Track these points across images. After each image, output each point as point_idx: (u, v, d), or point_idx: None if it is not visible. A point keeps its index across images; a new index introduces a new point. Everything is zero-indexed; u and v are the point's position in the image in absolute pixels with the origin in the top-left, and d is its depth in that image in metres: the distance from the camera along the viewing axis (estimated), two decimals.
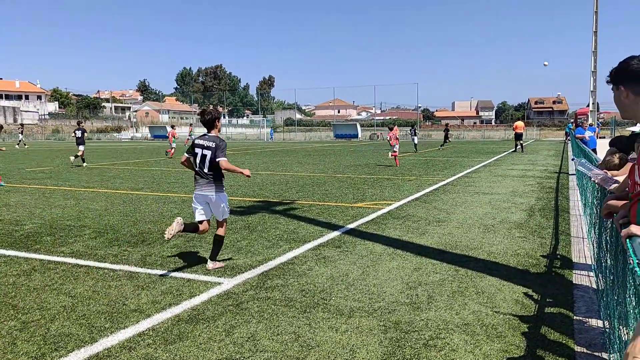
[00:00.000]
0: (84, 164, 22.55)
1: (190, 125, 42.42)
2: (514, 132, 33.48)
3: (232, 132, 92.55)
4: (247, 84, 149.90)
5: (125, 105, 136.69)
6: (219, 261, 6.28)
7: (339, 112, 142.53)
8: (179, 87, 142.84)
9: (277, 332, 4.27)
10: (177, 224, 5.94)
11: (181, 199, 11.92)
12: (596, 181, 4.03)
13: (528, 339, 4.14)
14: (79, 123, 25.09)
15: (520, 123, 32.78)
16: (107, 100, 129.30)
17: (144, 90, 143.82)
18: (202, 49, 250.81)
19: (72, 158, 22.87)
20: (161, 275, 5.86)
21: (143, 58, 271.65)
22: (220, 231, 6.34)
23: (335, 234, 8.08)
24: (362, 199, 11.89)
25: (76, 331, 4.28)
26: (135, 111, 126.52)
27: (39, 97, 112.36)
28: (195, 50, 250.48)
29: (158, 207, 10.80)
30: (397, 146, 21.93)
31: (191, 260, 6.50)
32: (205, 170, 6.26)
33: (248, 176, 6.57)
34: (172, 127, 34.10)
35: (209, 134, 6.40)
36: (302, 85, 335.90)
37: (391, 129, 22.98)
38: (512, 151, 32.13)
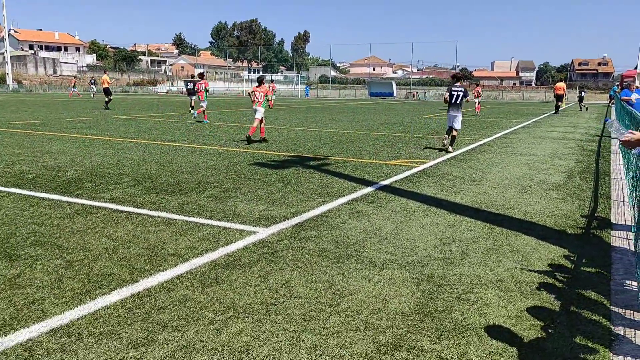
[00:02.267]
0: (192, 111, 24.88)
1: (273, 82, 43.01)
2: (554, 94, 32.73)
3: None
4: (282, 39, 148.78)
5: (161, 58, 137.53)
6: (451, 149, 12.67)
7: (374, 69, 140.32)
8: (214, 41, 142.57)
9: (311, 280, 4.34)
10: (446, 138, 12.76)
11: (216, 152, 12.06)
12: (626, 138, 3.83)
13: (563, 297, 4.11)
14: (191, 76, 27.67)
15: (561, 84, 32.04)
16: (144, 54, 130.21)
17: (180, 44, 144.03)
18: (238, 3, 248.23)
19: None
20: (198, 222, 6.00)
21: (179, 11, 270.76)
22: (455, 133, 12.85)
23: (369, 189, 8.07)
24: (396, 156, 11.81)
25: (118, 271, 4.45)
26: (171, 65, 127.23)
27: (78, 49, 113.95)
28: (230, 4, 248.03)
29: (194, 158, 10.96)
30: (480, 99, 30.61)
31: (227, 209, 6.61)
32: (458, 102, 12.80)
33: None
34: (272, 81, 35.85)
35: (458, 84, 13.03)
36: (337, 41, 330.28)
37: (477, 85, 31.26)
38: (553, 113, 31.28)
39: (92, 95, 50.24)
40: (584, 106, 37.15)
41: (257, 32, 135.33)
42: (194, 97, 26.13)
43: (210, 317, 3.62)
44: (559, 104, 31.82)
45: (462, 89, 12.87)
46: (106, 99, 28.98)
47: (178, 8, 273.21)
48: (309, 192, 7.78)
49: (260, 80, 14.60)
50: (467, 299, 4.02)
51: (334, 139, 15.48)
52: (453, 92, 12.90)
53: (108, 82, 29.03)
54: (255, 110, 13.99)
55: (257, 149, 12.60)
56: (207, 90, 21.25)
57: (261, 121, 14.03)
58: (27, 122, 19.78)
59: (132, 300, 3.89)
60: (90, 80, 53.02)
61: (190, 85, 26.32)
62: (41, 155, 11.07)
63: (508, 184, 8.76)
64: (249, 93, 14.56)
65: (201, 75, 21.94)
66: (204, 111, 21.17)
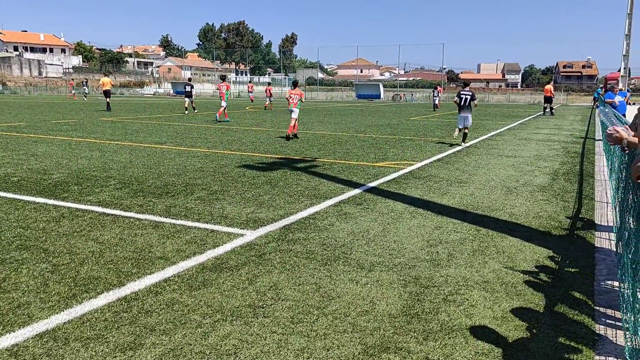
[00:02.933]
0: (195, 111, 28.60)
1: (250, 82, 47.10)
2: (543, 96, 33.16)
3: (254, 90, 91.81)
4: (269, 41, 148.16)
5: (148, 60, 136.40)
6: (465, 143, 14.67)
7: (361, 72, 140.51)
8: (201, 43, 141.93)
9: (299, 282, 4.36)
10: (457, 131, 14.68)
11: (204, 154, 12.02)
12: (610, 132, 3.89)
13: (548, 298, 4.16)
14: (189, 79, 29.95)
15: (549, 86, 32.50)
16: (130, 55, 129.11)
17: (167, 45, 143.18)
18: (225, 5, 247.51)
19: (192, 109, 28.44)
20: (185, 225, 5.98)
21: (166, 13, 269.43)
22: (467, 130, 14.69)
23: (356, 191, 8.11)
24: (383, 158, 11.86)
25: (105, 275, 4.43)
26: (158, 67, 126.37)
27: (63, 51, 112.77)
28: (218, 5, 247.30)
29: (181, 160, 10.92)
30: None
31: (215, 212, 6.61)
32: (467, 105, 14.34)
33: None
34: (269, 84, 38.74)
35: (466, 89, 14.61)
36: (325, 44, 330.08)
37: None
38: (541, 114, 31.70)
39: (84, 97, 49.76)
40: (552, 107, 35.93)
41: (244, 34, 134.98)
42: (189, 100, 27.87)
43: (198, 321, 3.62)
44: (547, 105, 32.17)
45: (470, 93, 14.42)
46: (107, 100, 28.70)
47: (165, 9, 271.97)
48: (297, 194, 7.79)
49: (295, 84, 16.20)
50: (453, 300, 4.06)
51: (322, 141, 15.50)
52: (462, 96, 14.47)
53: (111, 84, 28.87)
54: (291, 111, 15.55)
55: (244, 151, 12.59)
56: (226, 93, 22.36)
57: (296, 120, 15.60)
58: (12, 124, 19.56)
59: (119, 303, 3.88)
60: (82, 82, 52.60)
61: (188, 88, 27.35)
62: (26, 158, 10.97)
63: (494, 185, 8.84)
64: (286, 97, 16.19)
65: (223, 78, 22.95)
66: (224, 110, 22.66)
